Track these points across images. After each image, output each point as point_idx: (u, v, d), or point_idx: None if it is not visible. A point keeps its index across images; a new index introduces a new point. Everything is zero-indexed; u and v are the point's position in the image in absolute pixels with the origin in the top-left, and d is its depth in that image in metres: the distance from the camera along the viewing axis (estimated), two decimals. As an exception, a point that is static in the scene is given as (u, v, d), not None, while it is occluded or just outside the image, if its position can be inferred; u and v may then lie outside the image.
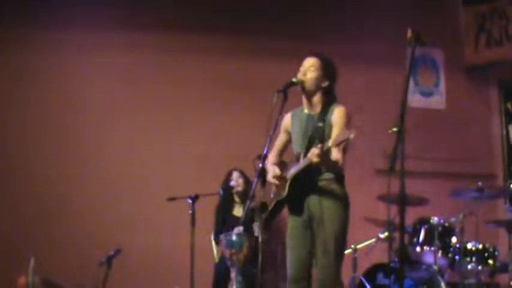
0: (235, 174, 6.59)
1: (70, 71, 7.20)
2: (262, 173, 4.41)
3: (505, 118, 8.07)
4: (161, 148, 7.21)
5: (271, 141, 4.41)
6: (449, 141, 7.78)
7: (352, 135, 4.08)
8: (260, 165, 4.37)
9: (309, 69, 4.61)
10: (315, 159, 4.24)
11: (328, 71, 4.64)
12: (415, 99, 7.81)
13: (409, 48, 3.94)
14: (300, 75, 4.61)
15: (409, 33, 3.93)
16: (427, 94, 7.91)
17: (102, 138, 7.17)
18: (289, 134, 4.76)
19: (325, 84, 4.62)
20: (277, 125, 4.42)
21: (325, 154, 4.24)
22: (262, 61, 7.39)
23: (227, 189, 6.55)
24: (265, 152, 4.37)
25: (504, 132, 8.05)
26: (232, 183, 6.56)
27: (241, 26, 7.45)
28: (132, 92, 7.28)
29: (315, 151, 4.24)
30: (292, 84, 4.53)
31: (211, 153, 7.19)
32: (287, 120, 4.77)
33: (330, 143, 4.20)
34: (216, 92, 7.37)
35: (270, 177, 4.64)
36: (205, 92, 7.35)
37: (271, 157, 4.77)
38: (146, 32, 7.31)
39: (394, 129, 3.67)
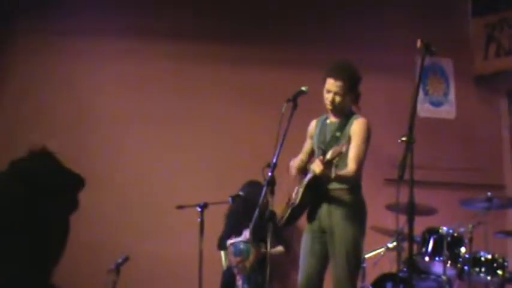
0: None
1: (81, 79, 7.19)
2: (272, 181, 4.41)
3: (514, 127, 8.04)
4: (171, 156, 7.21)
5: (281, 150, 4.42)
6: (459, 150, 7.75)
7: (343, 149, 4.12)
8: (269, 174, 4.37)
9: (335, 95, 4.57)
10: (317, 170, 4.25)
11: (355, 90, 4.63)
12: (425, 109, 7.79)
13: (418, 58, 3.94)
14: (327, 97, 4.58)
15: (419, 43, 3.94)
16: (437, 104, 7.89)
17: (112, 146, 7.17)
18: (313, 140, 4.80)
19: (351, 100, 4.64)
20: (286, 134, 4.42)
21: (325, 166, 4.24)
22: (272, 70, 7.38)
23: (239, 197, 6.47)
24: (274, 161, 4.38)
25: (514, 142, 8.01)
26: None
27: (247, 36, 7.44)
28: (142, 101, 7.27)
29: (316, 162, 4.27)
30: (302, 93, 4.54)
31: (221, 161, 7.18)
32: (312, 127, 4.81)
33: (328, 155, 4.22)
34: (226, 101, 7.35)
35: (291, 169, 4.70)
36: (216, 101, 7.34)
37: (297, 160, 4.78)
38: (158, 41, 7.31)
39: (404, 138, 3.67)
